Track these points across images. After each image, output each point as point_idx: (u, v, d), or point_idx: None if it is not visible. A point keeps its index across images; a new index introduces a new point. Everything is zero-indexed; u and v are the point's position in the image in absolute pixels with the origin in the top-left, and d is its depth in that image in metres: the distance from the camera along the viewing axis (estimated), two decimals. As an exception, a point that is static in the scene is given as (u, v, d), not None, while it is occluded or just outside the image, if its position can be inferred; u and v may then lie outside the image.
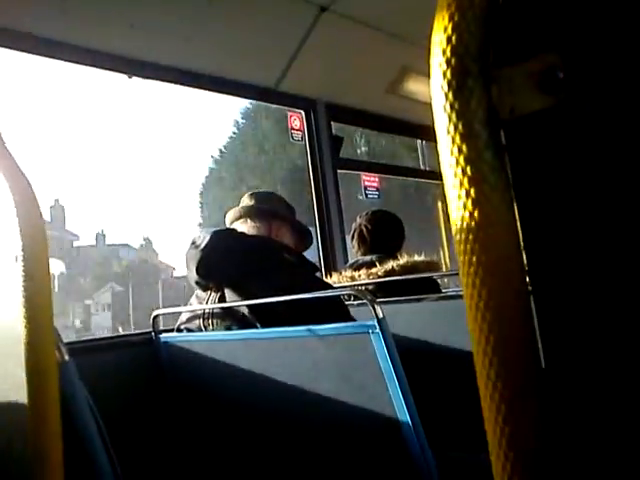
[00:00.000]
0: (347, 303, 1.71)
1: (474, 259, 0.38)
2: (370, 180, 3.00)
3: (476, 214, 0.38)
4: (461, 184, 0.38)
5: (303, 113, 2.65)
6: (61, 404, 0.80)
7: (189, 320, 1.63)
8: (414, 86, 2.75)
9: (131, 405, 1.65)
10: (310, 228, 1.90)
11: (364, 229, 2.36)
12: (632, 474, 0.37)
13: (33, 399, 0.78)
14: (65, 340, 1.05)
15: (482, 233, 0.38)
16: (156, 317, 1.71)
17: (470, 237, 0.38)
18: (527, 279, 0.40)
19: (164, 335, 1.68)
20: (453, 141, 0.39)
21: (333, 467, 1.31)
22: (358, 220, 2.41)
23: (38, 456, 0.76)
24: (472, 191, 0.38)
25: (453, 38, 0.37)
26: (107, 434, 1.05)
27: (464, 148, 0.38)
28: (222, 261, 1.53)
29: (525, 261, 0.40)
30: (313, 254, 2.16)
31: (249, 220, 1.74)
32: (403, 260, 2.09)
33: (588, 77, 0.37)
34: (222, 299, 1.54)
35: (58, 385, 0.80)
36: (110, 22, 1.86)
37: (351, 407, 1.22)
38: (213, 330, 1.54)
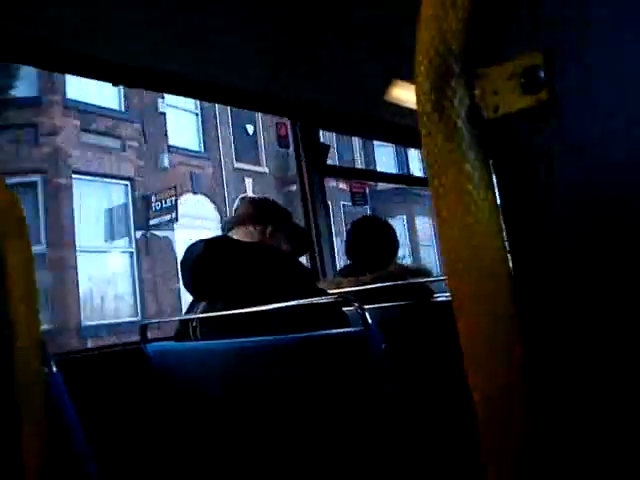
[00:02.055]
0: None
1: (459, 258, 0.38)
2: (357, 187, 3.01)
3: (460, 214, 0.38)
4: (445, 184, 0.38)
5: (289, 120, 2.66)
6: (49, 417, 0.79)
7: (182, 329, 1.62)
8: (402, 92, 2.76)
9: (121, 416, 1.63)
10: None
11: (352, 237, 2.36)
12: None
13: (20, 412, 0.76)
14: (52, 352, 1.04)
15: (467, 232, 0.38)
16: (144, 327, 1.69)
17: (455, 236, 0.38)
18: (513, 280, 0.40)
19: (153, 344, 1.66)
20: (437, 141, 0.39)
21: (325, 472, 1.31)
22: (349, 227, 2.42)
23: (26, 470, 0.75)
24: (456, 190, 0.38)
25: (436, 39, 0.38)
26: (96, 446, 1.04)
27: (448, 148, 0.38)
28: (217, 270, 1.52)
29: (510, 260, 0.40)
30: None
31: (244, 227, 1.73)
32: (392, 267, 2.09)
33: (570, 77, 0.37)
34: (216, 307, 1.53)
35: (45, 398, 0.79)
36: (96, 28, 1.85)
37: (343, 412, 1.22)
38: (205, 339, 1.53)
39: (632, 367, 0.36)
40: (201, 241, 1.58)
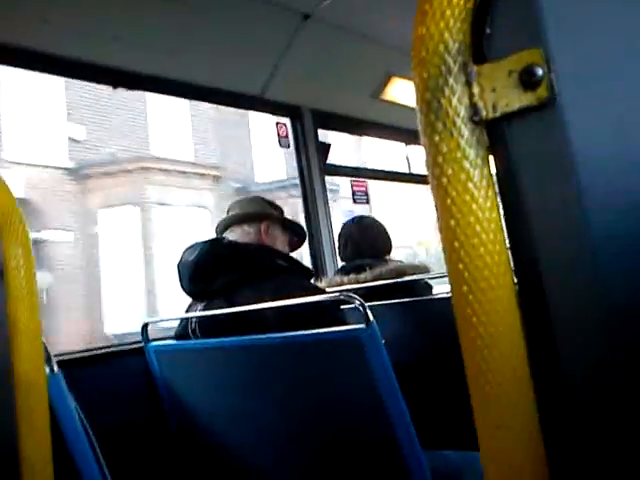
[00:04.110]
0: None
1: (460, 257, 0.38)
2: (358, 185, 3.01)
3: (461, 212, 0.38)
4: (445, 182, 0.38)
5: (289, 120, 2.65)
6: (51, 417, 0.79)
7: (181, 329, 1.63)
8: (400, 91, 2.76)
9: (122, 416, 1.64)
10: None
11: (348, 236, 2.37)
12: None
13: (22, 412, 0.77)
14: (54, 352, 1.04)
15: (468, 231, 0.38)
16: (146, 326, 1.70)
17: (456, 235, 0.38)
18: (513, 276, 0.40)
19: (155, 344, 1.67)
20: (436, 140, 0.39)
21: (326, 470, 1.31)
22: (342, 228, 2.42)
23: (28, 470, 0.75)
24: (456, 189, 0.38)
25: (433, 36, 0.38)
26: (98, 446, 1.04)
27: (447, 146, 0.38)
28: (213, 271, 1.52)
29: (511, 257, 0.40)
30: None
31: (238, 227, 1.73)
32: (392, 265, 2.09)
33: (569, 73, 0.37)
34: (213, 307, 1.53)
35: (47, 398, 0.79)
36: (94, 33, 1.85)
37: (343, 411, 1.22)
38: (203, 338, 1.54)
39: None
40: (198, 243, 1.58)
